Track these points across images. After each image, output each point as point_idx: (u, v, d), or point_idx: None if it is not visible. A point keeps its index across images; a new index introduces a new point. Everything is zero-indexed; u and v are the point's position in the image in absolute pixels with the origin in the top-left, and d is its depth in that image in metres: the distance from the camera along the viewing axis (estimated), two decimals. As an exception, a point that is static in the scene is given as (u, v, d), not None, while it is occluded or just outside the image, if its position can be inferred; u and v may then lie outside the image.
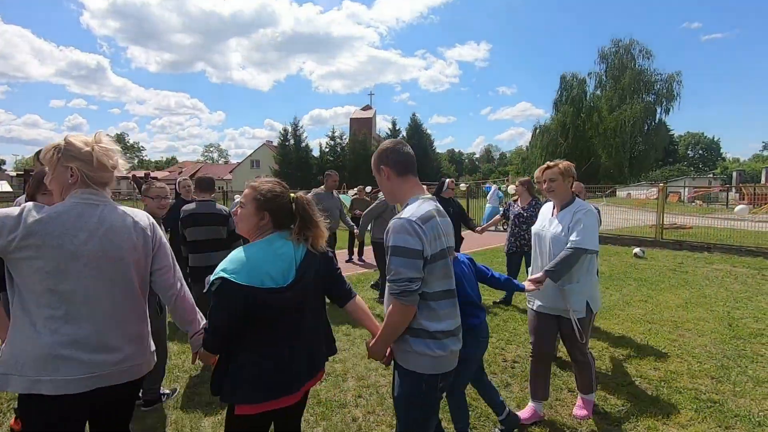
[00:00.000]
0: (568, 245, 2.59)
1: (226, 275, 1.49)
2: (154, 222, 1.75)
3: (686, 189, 23.58)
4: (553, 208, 2.85)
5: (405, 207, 1.74)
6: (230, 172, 55.44)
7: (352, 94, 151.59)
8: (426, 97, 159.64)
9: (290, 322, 1.62)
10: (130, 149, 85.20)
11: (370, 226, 5.60)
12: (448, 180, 5.95)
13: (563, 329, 2.80)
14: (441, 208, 1.81)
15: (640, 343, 4.22)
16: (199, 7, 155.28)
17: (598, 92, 43.53)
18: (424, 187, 1.91)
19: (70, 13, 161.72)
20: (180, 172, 63.67)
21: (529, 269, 3.04)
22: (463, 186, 18.16)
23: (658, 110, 41.17)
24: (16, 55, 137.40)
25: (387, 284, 1.69)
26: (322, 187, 6.00)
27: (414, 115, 50.68)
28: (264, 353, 1.58)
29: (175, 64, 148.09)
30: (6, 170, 68.25)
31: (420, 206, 1.69)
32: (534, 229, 2.94)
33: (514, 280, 2.74)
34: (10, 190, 33.76)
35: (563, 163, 2.76)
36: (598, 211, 4.31)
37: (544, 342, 2.88)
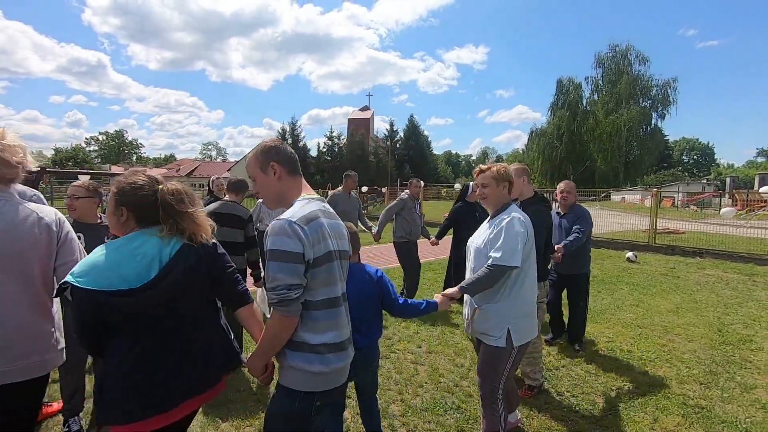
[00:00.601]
0: (488, 262, 2.25)
1: (71, 279, 1.37)
2: (62, 218, 1.75)
3: (680, 194, 23.73)
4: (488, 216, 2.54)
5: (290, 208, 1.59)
6: (228, 170, 55.22)
7: (350, 94, 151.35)
8: (424, 98, 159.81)
9: (161, 330, 1.46)
10: (128, 146, 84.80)
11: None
12: (472, 183, 5.90)
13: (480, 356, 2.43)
14: (329, 209, 1.68)
15: (629, 348, 4.23)
16: (201, 6, 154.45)
17: (595, 97, 43.75)
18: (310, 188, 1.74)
19: (71, 10, 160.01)
20: (178, 170, 63.44)
21: None
22: (457, 186, 18.22)
23: (654, 116, 41.46)
24: (17, 51, 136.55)
25: (266, 293, 1.53)
26: (340, 188, 5.89)
27: (412, 116, 50.93)
28: (132, 366, 1.42)
29: (176, 62, 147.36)
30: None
31: (304, 207, 1.56)
32: (469, 240, 2.61)
33: (419, 301, 2.33)
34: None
35: (497, 167, 2.43)
36: (587, 215, 4.27)
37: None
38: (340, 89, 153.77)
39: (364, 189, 21.42)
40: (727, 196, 23.19)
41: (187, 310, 1.53)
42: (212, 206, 3.78)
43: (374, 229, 5.73)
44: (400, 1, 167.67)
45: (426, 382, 3.45)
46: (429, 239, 5.57)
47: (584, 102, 43.67)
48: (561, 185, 4.34)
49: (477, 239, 2.45)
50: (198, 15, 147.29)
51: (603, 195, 17.78)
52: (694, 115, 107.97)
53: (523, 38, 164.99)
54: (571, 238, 3.95)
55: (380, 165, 44.24)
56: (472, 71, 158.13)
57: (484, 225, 2.50)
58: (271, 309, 1.47)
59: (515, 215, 2.32)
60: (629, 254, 9.32)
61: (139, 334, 1.44)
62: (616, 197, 25.35)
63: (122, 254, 1.44)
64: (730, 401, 3.22)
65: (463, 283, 2.31)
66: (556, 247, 3.81)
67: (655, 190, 11.93)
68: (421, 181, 6.27)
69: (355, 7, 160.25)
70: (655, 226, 10.66)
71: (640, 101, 41.01)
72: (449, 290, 2.37)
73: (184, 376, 1.48)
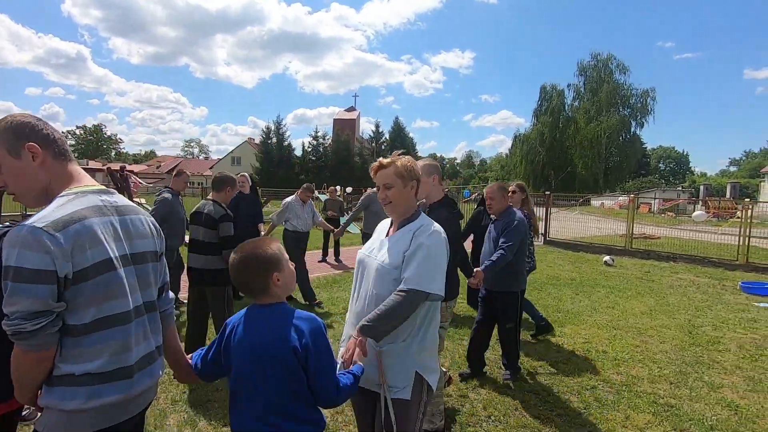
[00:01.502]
0: (400, 286, 1.67)
1: None
2: None
3: (656, 200, 24.45)
4: (390, 225, 1.92)
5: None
6: (210, 168, 54.47)
7: (337, 95, 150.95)
8: (410, 101, 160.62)
9: None
10: (106, 141, 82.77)
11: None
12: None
13: (380, 418, 1.73)
14: (119, 202, 1.32)
15: (604, 349, 4.35)
16: (185, 1, 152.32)
17: (576, 104, 44.82)
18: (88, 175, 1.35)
19: (50, 0, 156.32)
20: (158, 167, 62.22)
21: None
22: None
23: (633, 124, 42.70)
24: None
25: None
26: (292, 196, 6.04)
27: (397, 118, 50.99)
28: None
29: (159, 57, 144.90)
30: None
31: (63, 205, 1.18)
32: (359, 253, 1.96)
33: (346, 377, 1.53)
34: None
35: (401, 161, 1.81)
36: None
37: (362, 427, 1.92)
38: (326, 89, 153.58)
39: (349, 190, 21.40)
40: (700, 203, 24.00)
41: None
42: (198, 205, 3.73)
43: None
44: (388, 4, 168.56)
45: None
46: None
47: (567, 108, 44.70)
48: (486, 189, 3.68)
49: (378, 255, 1.82)
50: (182, 10, 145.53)
51: (582, 200, 18.15)
52: (671, 124, 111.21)
53: (508, 44, 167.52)
54: (494, 257, 3.31)
55: (365, 166, 44.20)
56: (458, 75, 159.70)
57: (385, 234, 1.90)
58: None
59: (435, 227, 1.79)
60: (606, 258, 9.56)
61: None
62: (596, 203, 25.95)
63: None
64: (698, 400, 3.35)
65: (364, 320, 1.65)
66: (475, 270, 3.28)
67: (632, 195, 12.27)
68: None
69: (343, 8, 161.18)
70: (632, 231, 10.97)
71: (620, 109, 42.20)
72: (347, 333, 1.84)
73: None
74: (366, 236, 5.65)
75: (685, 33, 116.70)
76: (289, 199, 6.00)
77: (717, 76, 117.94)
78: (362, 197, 6.33)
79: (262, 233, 5.52)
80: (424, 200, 2.59)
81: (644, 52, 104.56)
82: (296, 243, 5.72)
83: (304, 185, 6.17)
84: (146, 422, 2.75)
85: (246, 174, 5.78)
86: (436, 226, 1.81)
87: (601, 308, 5.85)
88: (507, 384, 3.49)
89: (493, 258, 3.31)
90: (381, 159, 1.84)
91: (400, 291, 1.65)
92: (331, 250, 9.11)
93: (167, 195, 4.78)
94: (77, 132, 79.12)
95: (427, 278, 1.67)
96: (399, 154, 1.85)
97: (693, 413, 3.13)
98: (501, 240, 3.37)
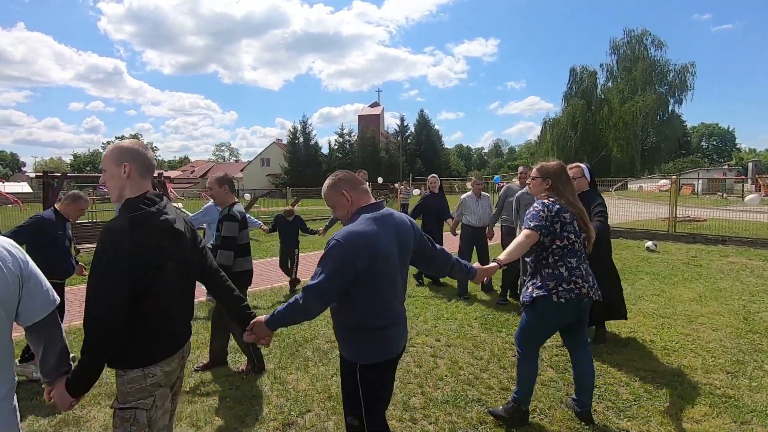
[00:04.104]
0: None
1: None
2: None
3: (700, 181, 23.15)
4: None
5: None
6: (241, 170, 55.86)
7: (360, 92, 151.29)
8: (434, 93, 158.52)
9: None
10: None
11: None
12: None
13: None
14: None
15: (652, 338, 4.16)
16: (212, 10, 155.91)
17: (610, 84, 42.96)
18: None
19: (88, 19, 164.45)
20: (192, 172, 64.36)
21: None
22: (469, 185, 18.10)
23: (671, 101, 40.50)
24: (38, 61, 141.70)
25: None
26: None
27: (422, 111, 50.48)
28: None
29: (189, 66, 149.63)
30: (26, 172, 70.07)
31: None
32: None
33: None
34: (30, 191, 34.56)
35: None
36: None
37: None
38: (350, 87, 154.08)
39: (380, 180, 21.67)
40: (749, 181, 22.53)
41: None
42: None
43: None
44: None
45: (446, 375, 3.45)
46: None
47: (599, 90, 42.94)
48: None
49: None
50: (209, 18, 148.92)
51: (620, 184, 17.41)
52: (713, 100, 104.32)
53: (533, 28, 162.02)
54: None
55: (392, 160, 44.15)
56: (482, 64, 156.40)
57: None
58: None
59: None
60: (648, 243, 9.14)
61: None
62: (633, 186, 24.86)
63: None
64: (759, 390, 3.15)
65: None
66: None
67: (674, 177, 11.66)
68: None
69: (365, 5, 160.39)
70: (675, 214, 10.43)
71: (657, 87, 40.08)
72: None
73: None
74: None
75: (722, 3, 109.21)
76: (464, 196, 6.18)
77: (758, 45, 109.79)
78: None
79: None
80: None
81: (679, 27, 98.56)
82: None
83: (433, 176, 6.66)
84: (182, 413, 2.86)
85: (435, 176, 6.65)
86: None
87: (646, 296, 5.61)
88: (551, 377, 3.40)
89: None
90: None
91: None
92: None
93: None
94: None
95: None
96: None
97: (755, 405, 2.95)
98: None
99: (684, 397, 3.06)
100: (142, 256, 1.50)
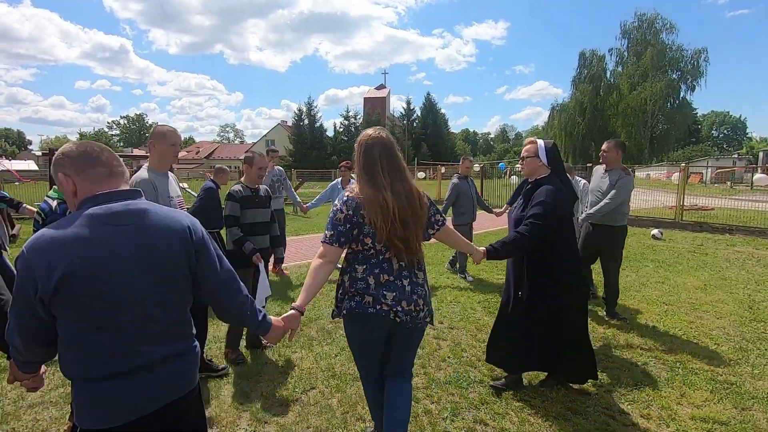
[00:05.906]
0: None
1: None
2: None
3: (709, 169, 22.86)
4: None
5: None
6: (246, 152, 55.72)
7: (367, 74, 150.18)
8: (442, 76, 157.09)
9: None
10: (148, 129, 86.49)
11: None
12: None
13: None
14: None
15: (655, 324, 4.17)
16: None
17: (619, 69, 42.03)
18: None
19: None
20: (197, 152, 64.32)
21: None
22: (476, 167, 17.96)
23: (683, 88, 39.63)
24: (44, 39, 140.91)
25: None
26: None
27: (429, 94, 49.96)
28: None
29: (195, 46, 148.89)
30: (32, 150, 70.35)
31: None
32: None
33: None
34: (36, 168, 34.71)
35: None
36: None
37: None
38: (357, 69, 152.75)
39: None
40: (760, 170, 22.25)
41: None
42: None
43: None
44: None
45: (449, 357, 3.48)
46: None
47: (608, 75, 42.04)
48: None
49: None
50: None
51: (627, 171, 17.19)
52: (724, 87, 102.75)
53: (544, 11, 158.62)
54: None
55: (397, 144, 43.77)
56: (490, 47, 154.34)
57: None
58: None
59: None
60: (654, 231, 9.09)
61: None
62: (640, 174, 24.60)
63: None
64: (762, 377, 3.16)
65: None
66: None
67: (683, 165, 11.52)
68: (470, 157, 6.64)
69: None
70: (682, 202, 10.34)
71: (668, 73, 39.19)
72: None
73: None
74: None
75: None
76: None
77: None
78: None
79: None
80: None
81: (692, 12, 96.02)
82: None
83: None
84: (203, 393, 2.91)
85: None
86: None
87: (650, 283, 5.60)
88: None
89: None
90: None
91: None
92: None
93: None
94: (122, 122, 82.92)
95: None
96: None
97: (756, 391, 2.96)
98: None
99: (685, 383, 3.07)
100: None
